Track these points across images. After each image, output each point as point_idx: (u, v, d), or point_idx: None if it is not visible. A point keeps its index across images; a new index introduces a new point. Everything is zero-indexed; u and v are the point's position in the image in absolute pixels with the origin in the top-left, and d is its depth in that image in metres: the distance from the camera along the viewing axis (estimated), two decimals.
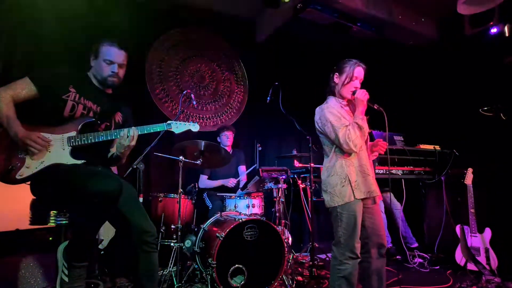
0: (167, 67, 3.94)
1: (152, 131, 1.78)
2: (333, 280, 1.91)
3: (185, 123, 1.89)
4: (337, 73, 2.03)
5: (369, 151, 2.07)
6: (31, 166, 1.57)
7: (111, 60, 1.77)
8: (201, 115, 4.11)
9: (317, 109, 2.02)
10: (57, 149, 1.63)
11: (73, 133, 1.67)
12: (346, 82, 1.98)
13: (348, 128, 1.87)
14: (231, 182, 3.45)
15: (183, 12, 4.02)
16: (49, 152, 1.61)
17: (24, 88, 1.65)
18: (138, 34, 3.62)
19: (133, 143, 1.71)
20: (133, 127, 1.72)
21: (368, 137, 2.08)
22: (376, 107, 1.96)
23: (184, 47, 4.08)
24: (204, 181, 3.53)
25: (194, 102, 2.60)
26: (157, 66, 3.87)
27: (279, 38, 4.37)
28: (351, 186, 1.87)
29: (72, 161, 1.63)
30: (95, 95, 1.82)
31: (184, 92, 2.56)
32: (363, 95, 1.91)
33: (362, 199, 1.92)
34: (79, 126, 1.69)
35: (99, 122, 1.79)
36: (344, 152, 1.92)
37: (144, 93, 3.73)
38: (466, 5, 3.15)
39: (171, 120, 1.86)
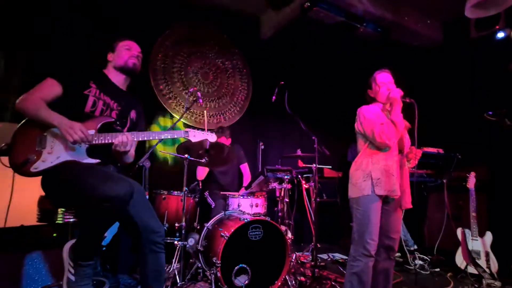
0: (171, 63, 3.91)
1: (169, 137, 1.77)
2: (346, 276, 1.98)
3: (202, 132, 1.89)
4: (368, 89, 2.21)
5: (405, 159, 2.15)
6: (47, 160, 1.56)
7: (131, 47, 1.89)
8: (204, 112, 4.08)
9: (359, 109, 2.15)
10: (74, 146, 1.62)
11: (92, 132, 1.65)
12: (377, 90, 2.14)
13: (384, 124, 2.00)
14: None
15: (187, 8, 3.99)
16: (67, 147, 1.60)
17: (50, 88, 1.66)
18: (142, 29, 3.59)
19: (128, 148, 1.66)
20: (126, 133, 1.68)
21: (405, 144, 2.15)
22: (408, 100, 2.07)
23: (189, 43, 4.05)
24: (201, 173, 3.48)
25: (201, 100, 2.57)
26: (161, 62, 3.84)
27: (285, 36, 4.35)
28: (372, 181, 1.96)
29: (87, 159, 1.62)
30: (113, 91, 1.83)
31: (191, 90, 2.54)
32: (396, 93, 2.04)
33: (384, 201, 1.99)
34: (99, 125, 1.67)
35: (118, 122, 1.79)
36: (374, 150, 2.03)
37: (148, 89, 3.71)
38: (474, 8, 3.14)
39: (189, 129, 1.86)
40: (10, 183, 1.83)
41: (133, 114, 1.92)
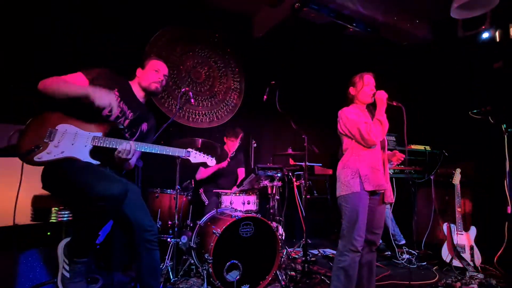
0: (164, 62, 3.92)
1: (171, 154, 1.84)
2: (333, 270, 2.06)
3: (203, 155, 1.96)
4: (351, 87, 2.24)
5: (386, 161, 2.22)
6: (52, 152, 1.61)
7: (159, 70, 2.02)
8: (197, 111, 4.13)
9: (340, 112, 2.21)
10: (80, 144, 1.67)
11: (99, 134, 1.72)
12: (360, 88, 2.19)
13: (370, 123, 2.07)
14: (221, 164, 3.42)
15: (181, 8, 4.01)
16: (72, 144, 1.66)
17: (79, 82, 1.73)
18: (135, 29, 3.61)
19: (130, 156, 1.74)
20: (130, 141, 1.75)
21: (386, 141, 2.22)
22: (395, 103, 2.14)
23: (182, 42, 4.07)
24: (201, 171, 3.56)
25: (192, 100, 2.62)
26: None
27: (276, 35, 4.40)
28: (360, 178, 2.03)
29: (88, 159, 1.67)
30: (132, 102, 1.95)
31: (183, 90, 2.59)
32: (382, 94, 2.12)
33: (371, 196, 2.06)
34: (107, 130, 1.75)
35: (126, 130, 1.87)
36: (359, 148, 2.10)
37: None
38: (460, 9, 3.22)
39: (191, 150, 1.93)
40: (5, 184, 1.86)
41: (144, 126, 2.02)
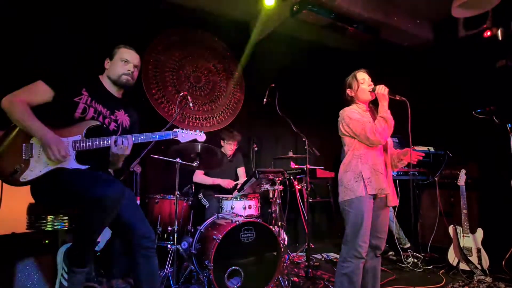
0: (163, 67, 3.92)
1: (158, 139, 1.76)
2: (337, 276, 2.00)
3: (191, 132, 1.88)
4: (348, 89, 2.16)
5: (389, 163, 2.12)
6: (35, 169, 1.55)
7: (128, 59, 1.84)
8: (197, 116, 4.10)
9: (341, 112, 2.12)
10: None
11: (79, 137, 1.64)
12: (357, 88, 2.10)
13: (375, 122, 1.98)
14: (228, 183, 3.43)
15: (179, 13, 4.00)
16: None
17: (41, 92, 1.63)
18: (134, 34, 3.60)
19: (127, 152, 1.68)
20: (128, 135, 1.69)
21: (389, 143, 2.13)
22: (398, 98, 2.03)
23: (181, 47, 4.06)
24: (199, 176, 3.51)
25: (191, 104, 2.58)
26: (153, 67, 3.85)
27: (275, 38, 4.38)
28: (363, 182, 1.95)
29: (76, 166, 1.61)
30: (106, 99, 1.82)
31: (181, 94, 2.55)
32: (383, 89, 2.01)
33: (374, 199, 2.00)
34: (84, 130, 1.66)
35: (105, 126, 1.77)
36: (361, 150, 2.01)
37: (140, 94, 3.71)
38: (461, 8, 3.18)
39: (178, 129, 1.84)
40: None
41: (126, 122, 1.92)
